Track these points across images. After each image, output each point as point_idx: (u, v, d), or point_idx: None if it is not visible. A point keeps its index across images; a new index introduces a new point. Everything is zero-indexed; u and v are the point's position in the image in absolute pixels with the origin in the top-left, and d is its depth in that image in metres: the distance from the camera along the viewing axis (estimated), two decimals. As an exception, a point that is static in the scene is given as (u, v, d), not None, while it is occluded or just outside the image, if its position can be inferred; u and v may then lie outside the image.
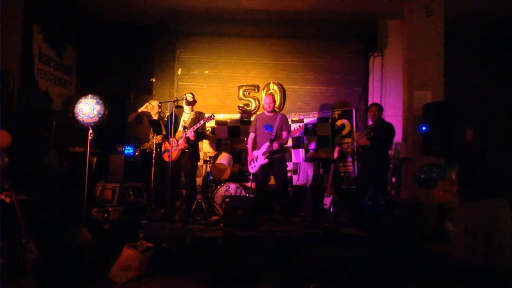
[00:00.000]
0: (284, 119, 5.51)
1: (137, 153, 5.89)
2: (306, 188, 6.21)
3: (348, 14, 6.89)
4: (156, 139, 5.72)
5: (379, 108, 5.42)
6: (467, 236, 3.26)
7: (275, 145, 5.26)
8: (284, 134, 5.40)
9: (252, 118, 7.24)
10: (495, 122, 6.38)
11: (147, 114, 6.21)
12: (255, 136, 5.57)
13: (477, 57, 6.91)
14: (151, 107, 6.15)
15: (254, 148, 5.52)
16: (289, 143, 6.84)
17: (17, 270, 3.01)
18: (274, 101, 5.67)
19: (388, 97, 6.93)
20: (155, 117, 6.14)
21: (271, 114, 5.54)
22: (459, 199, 3.50)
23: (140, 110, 6.27)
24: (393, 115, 6.42)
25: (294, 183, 6.69)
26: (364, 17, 6.99)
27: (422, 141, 5.18)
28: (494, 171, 3.32)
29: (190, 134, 5.14)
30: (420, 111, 5.30)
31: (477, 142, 3.43)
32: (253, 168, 5.47)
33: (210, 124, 6.90)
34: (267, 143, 5.32)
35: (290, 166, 6.83)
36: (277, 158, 5.37)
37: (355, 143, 5.38)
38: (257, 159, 5.42)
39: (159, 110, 6.21)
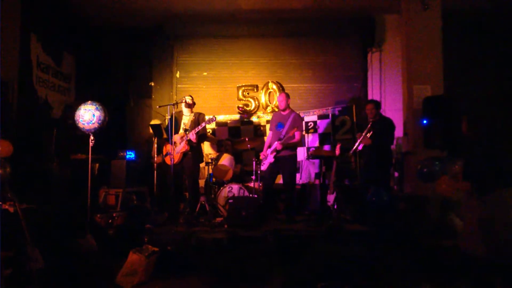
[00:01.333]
0: (296, 118, 5.40)
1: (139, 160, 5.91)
2: (314, 186, 6.20)
3: (345, 10, 6.88)
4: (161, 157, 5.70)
5: (375, 105, 5.38)
6: (483, 229, 3.22)
7: (277, 145, 5.24)
8: (297, 133, 5.36)
9: (252, 118, 7.27)
10: (495, 114, 6.34)
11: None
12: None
13: (475, 50, 6.88)
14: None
15: (270, 146, 5.51)
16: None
17: (23, 279, 3.02)
18: (286, 99, 5.49)
19: (388, 92, 6.92)
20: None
21: (286, 113, 5.49)
22: (469, 192, 3.44)
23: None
24: (393, 110, 6.42)
25: (297, 182, 6.67)
26: (361, 13, 6.98)
27: (423, 134, 5.17)
28: (500, 160, 3.28)
29: (192, 136, 5.14)
30: (420, 105, 5.29)
31: (473, 133, 3.39)
32: (263, 165, 5.48)
33: (210, 126, 6.89)
34: (276, 142, 5.32)
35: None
36: (284, 156, 5.32)
37: (360, 146, 5.32)
38: (266, 158, 5.42)
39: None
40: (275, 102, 7.09)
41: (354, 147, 5.37)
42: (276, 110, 6.99)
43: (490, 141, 3.34)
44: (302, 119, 5.80)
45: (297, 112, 5.60)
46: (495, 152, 3.30)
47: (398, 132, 5.78)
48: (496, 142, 3.35)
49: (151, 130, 6.21)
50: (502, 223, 3.15)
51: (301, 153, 6.92)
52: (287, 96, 5.56)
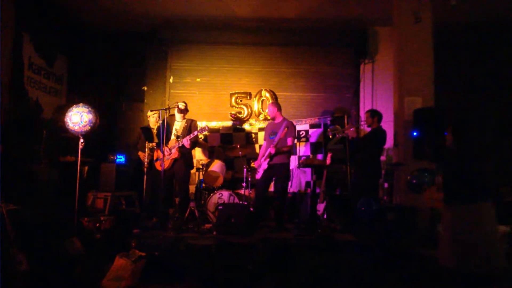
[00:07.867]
0: (289, 125, 5.44)
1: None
2: (305, 195, 6.20)
3: (339, 21, 6.97)
4: (151, 144, 5.67)
5: (370, 114, 5.47)
6: (456, 242, 3.25)
7: (271, 149, 5.25)
8: (289, 140, 5.37)
9: (244, 125, 7.28)
10: (484, 126, 6.43)
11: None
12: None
13: (465, 63, 7.01)
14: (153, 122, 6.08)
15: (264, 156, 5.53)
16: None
17: (7, 282, 2.96)
18: (273, 108, 5.61)
19: (379, 103, 6.99)
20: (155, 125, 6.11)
21: (278, 122, 5.54)
22: (444, 203, 3.49)
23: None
24: (384, 121, 6.47)
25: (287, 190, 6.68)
26: (354, 24, 7.08)
27: (413, 146, 5.22)
28: (477, 174, 3.30)
29: (186, 142, 5.12)
30: (411, 117, 5.35)
31: (456, 145, 3.42)
32: (258, 173, 5.50)
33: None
34: (269, 150, 5.34)
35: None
36: (277, 164, 5.33)
37: (345, 132, 5.53)
38: (261, 166, 5.43)
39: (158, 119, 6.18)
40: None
41: (340, 130, 5.61)
42: (269, 118, 7.01)
43: (470, 155, 3.36)
44: (295, 127, 5.83)
45: (290, 120, 5.64)
46: (472, 166, 3.32)
47: (389, 143, 5.83)
48: (477, 156, 3.37)
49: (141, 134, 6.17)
50: (470, 237, 3.18)
51: (292, 162, 6.93)
52: (274, 105, 5.67)
